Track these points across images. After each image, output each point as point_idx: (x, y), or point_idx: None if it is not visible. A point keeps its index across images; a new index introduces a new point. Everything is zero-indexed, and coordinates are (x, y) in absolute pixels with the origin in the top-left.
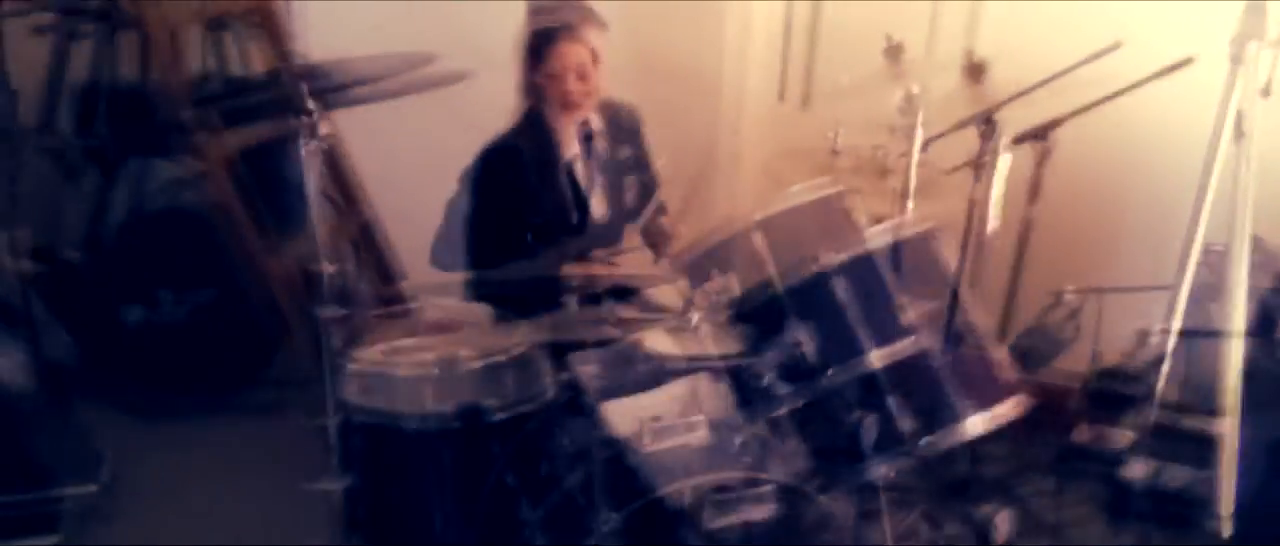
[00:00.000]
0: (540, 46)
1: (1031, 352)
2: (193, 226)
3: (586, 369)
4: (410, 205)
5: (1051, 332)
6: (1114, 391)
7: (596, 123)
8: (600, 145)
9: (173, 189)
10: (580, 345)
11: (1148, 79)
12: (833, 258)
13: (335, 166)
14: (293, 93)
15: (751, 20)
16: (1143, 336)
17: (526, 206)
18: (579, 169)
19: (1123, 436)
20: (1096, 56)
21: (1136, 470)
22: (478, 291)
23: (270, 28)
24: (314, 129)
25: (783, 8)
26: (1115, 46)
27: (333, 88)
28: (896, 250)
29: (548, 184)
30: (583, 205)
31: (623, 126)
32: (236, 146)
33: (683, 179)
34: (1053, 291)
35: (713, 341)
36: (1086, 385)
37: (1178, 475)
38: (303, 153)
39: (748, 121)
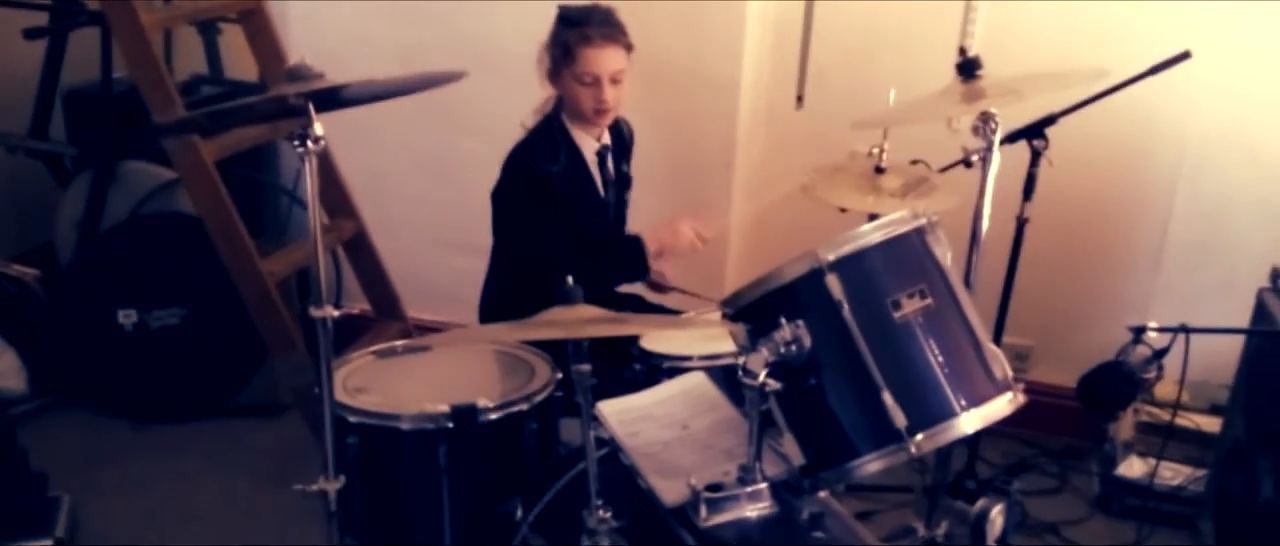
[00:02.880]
0: (575, 46)
1: (1106, 394)
2: (185, 230)
3: (581, 367)
4: (396, 213)
5: (1134, 373)
6: (1110, 388)
7: (608, 138)
8: (610, 163)
9: (165, 193)
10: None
11: (1145, 74)
12: (827, 253)
13: (324, 170)
14: (286, 94)
15: (769, 25)
16: (1137, 332)
17: (577, 215)
18: (598, 188)
19: (1119, 433)
20: (1165, 66)
21: (1133, 467)
22: None
23: (261, 29)
24: (310, 130)
25: (799, 10)
26: (1185, 56)
27: (327, 89)
28: (893, 245)
29: (587, 201)
30: (614, 225)
31: (624, 142)
32: (228, 149)
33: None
34: (1133, 327)
35: (711, 340)
36: (1082, 382)
37: (1173, 472)
38: (301, 153)
39: (767, 130)
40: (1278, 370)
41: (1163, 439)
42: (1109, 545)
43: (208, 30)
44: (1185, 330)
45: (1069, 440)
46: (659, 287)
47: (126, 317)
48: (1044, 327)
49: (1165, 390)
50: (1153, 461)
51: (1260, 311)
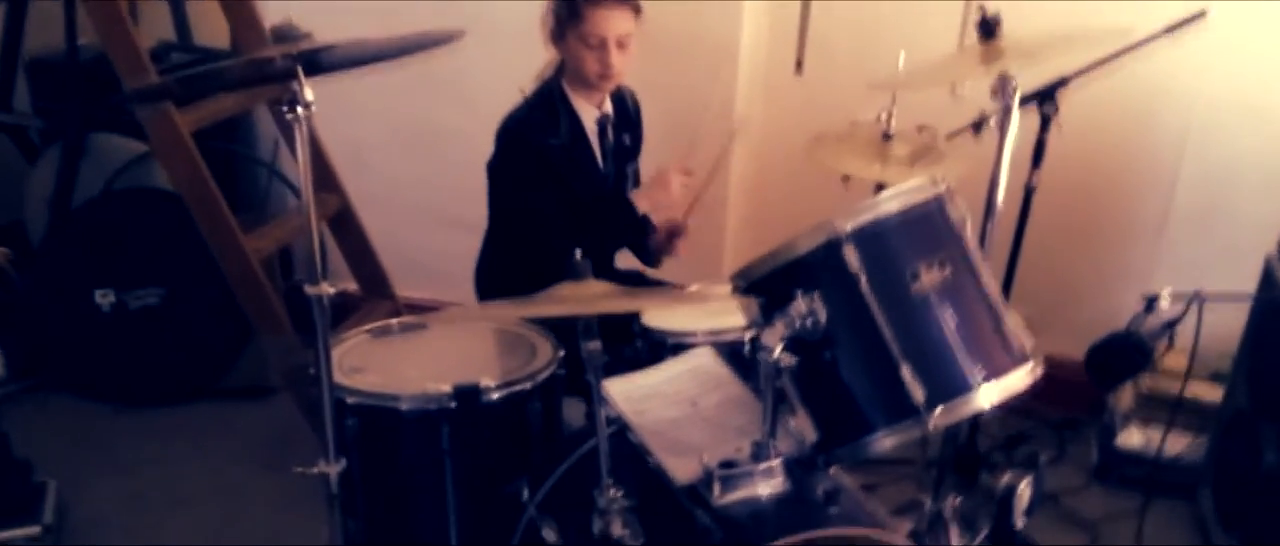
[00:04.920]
0: (583, 6)
1: (1117, 364)
2: (162, 206)
3: (588, 345)
4: (381, 188)
5: (1146, 344)
6: (1121, 359)
7: (608, 107)
8: (611, 133)
9: (139, 166)
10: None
11: (1158, 34)
12: (845, 223)
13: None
14: (273, 56)
15: None
16: (1150, 301)
17: (574, 187)
18: (597, 159)
19: (1122, 403)
20: (1181, 25)
21: (1132, 437)
22: None
23: None
24: (300, 94)
25: None
26: (1201, 15)
27: (316, 49)
28: (911, 214)
29: (584, 172)
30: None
31: (628, 112)
32: (204, 120)
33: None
34: (1145, 295)
35: (716, 315)
36: (1092, 352)
37: (1176, 442)
38: (291, 120)
39: (765, 97)
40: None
41: (1171, 410)
42: (1110, 515)
43: None
44: (1199, 298)
45: (1068, 411)
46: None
47: (104, 298)
48: (1045, 297)
49: (1169, 359)
50: (1152, 431)
51: (1268, 278)
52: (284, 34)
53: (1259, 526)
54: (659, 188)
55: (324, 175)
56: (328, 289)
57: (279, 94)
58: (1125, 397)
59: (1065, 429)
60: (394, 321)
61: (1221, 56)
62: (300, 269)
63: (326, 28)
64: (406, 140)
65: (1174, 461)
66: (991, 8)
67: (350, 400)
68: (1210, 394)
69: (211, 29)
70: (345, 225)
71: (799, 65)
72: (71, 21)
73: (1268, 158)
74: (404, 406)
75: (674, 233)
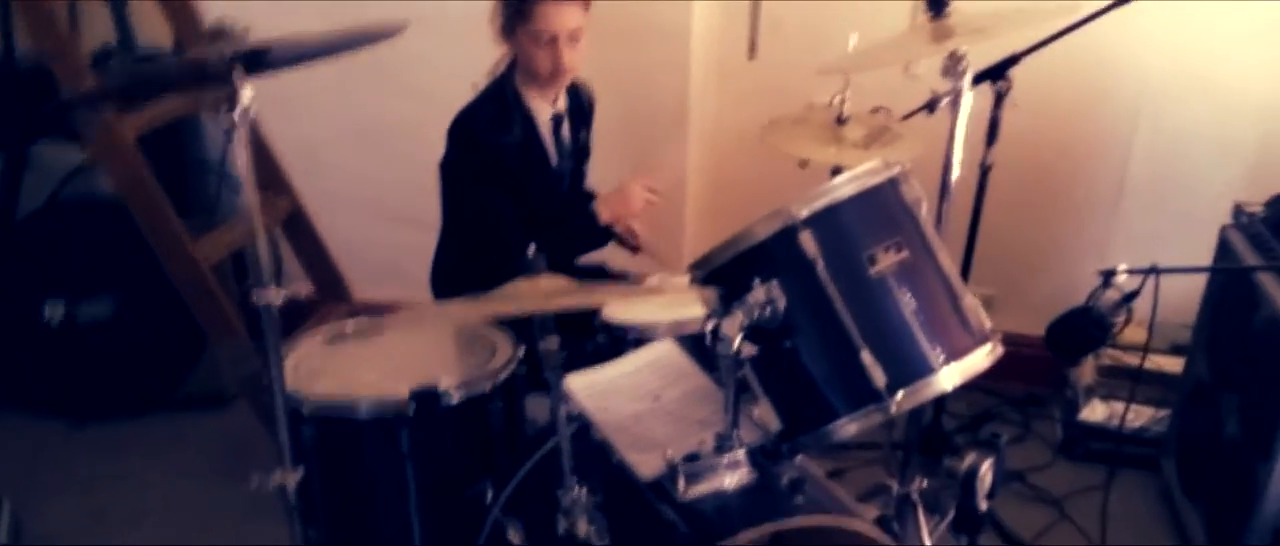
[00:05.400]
0: (531, 2)
1: (1076, 339)
2: (109, 215)
3: (546, 343)
4: (334, 187)
5: (1104, 318)
6: (1080, 334)
7: (562, 104)
8: (565, 131)
9: (85, 175)
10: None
11: (1108, 7)
12: (800, 209)
13: (253, 144)
14: (207, 57)
15: None
16: (1107, 276)
17: (528, 186)
18: (551, 157)
19: (1083, 377)
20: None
21: (1095, 411)
22: None
23: None
24: (238, 96)
25: None
26: None
27: (253, 49)
28: (866, 198)
29: (538, 171)
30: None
31: (583, 109)
32: (147, 124)
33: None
34: (1102, 271)
35: (676, 306)
36: (1051, 328)
37: (1136, 414)
38: (228, 124)
39: (719, 82)
40: (1241, 308)
41: (1132, 383)
42: (1075, 489)
43: None
44: (1155, 271)
45: (1030, 387)
46: (632, 247)
47: (53, 311)
48: (1006, 275)
49: (1129, 332)
50: (1115, 405)
51: (1223, 248)
52: (219, 33)
53: (1222, 495)
54: (621, 201)
55: (273, 176)
56: (276, 295)
57: (222, 95)
58: (1087, 372)
59: (1029, 405)
60: (349, 324)
61: (1171, 29)
62: (255, 273)
63: (271, 24)
64: (359, 137)
65: (1137, 433)
66: None
67: (306, 408)
68: (1171, 365)
69: (155, 31)
70: (298, 226)
71: (752, 49)
72: (8, 27)
73: (1219, 128)
74: (362, 412)
75: (620, 224)
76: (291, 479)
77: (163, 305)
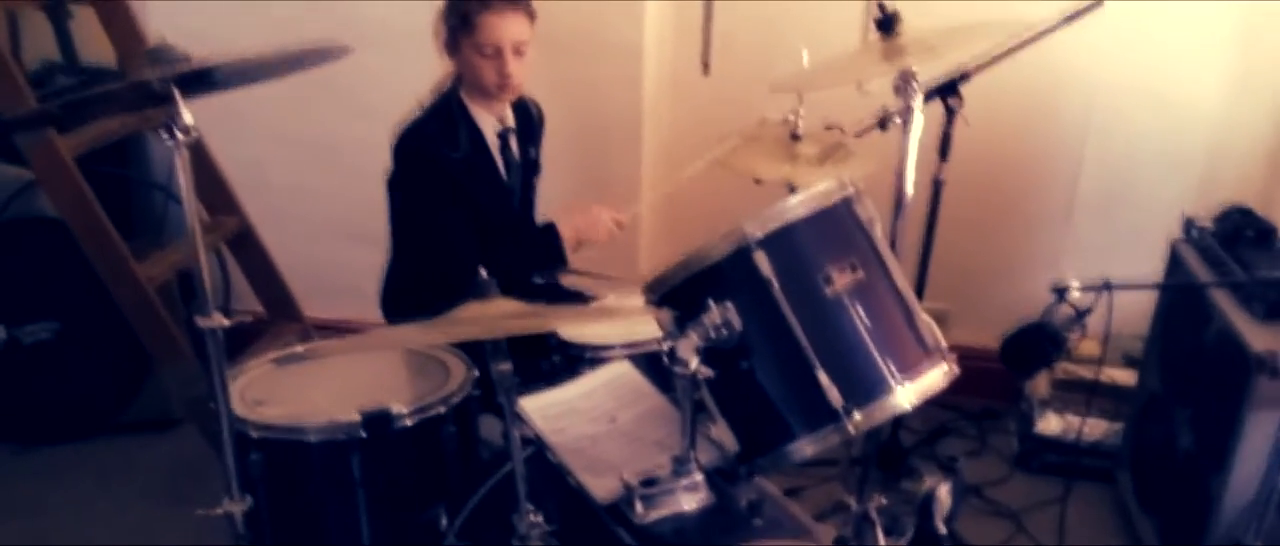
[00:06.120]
0: (475, 14)
1: (1031, 355)
2: (51, 236)
3: (499, 366)
4: (282, 205)
5: (1058, 334)
6: (1035, 350)
7: (511, 119)
8: (514, 145)
9: (26, 195)
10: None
11: (1057, 25)
12: (754, 229)
13: (200, 162)
14: (148, 79)
15: None
16: (1060, 292)
17: (479, 201)
18: (501, 172)
19: (1038, 390)
20: (1079, 14)
21: (1050, 424)
22: None
23: (116, 10)
24: (178, 118)
25: None
26: (1098, 3)
27: (193, 71)
28: (820, 217)
29: (488, 186)
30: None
31: (531, 124)
32: (90, 143)
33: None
34: (1055, 287)
35: (632, 325)
36: (1005, 344)
37: (1094, 427)
38: (170, 145)
39: (673, 98)
40: (1193, 322)
41: (1087, 397)
42: (1032, 503)
43: (57, 13)
44: (1108, 287)
45: (986, 401)
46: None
47: None
48: (959, 289)
49: (1083, 345)
50: (1070, 417)
51: (1174, 262)
52: (159, 55)
53: (1177, 507)
54: (588, 224)
55: (221, 194)
56: (221, 321)
57: (165, 115)
58: (1041, 385)
59: (985, 419)
60: (299, 348)
61: (1120, 44)
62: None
63: (214, 40)
64: (307, 154)
65: (1093, 446)
66: (889, 5)
67: (254, 434)
68: (1125, 377)
69: (98, 48)
70: (246, 246)
71: (705, 66)
72: None
73: (1169, 142)
74: (311, 437)
75: (579, 244)
76: (238, 508)
77: (108, 326)
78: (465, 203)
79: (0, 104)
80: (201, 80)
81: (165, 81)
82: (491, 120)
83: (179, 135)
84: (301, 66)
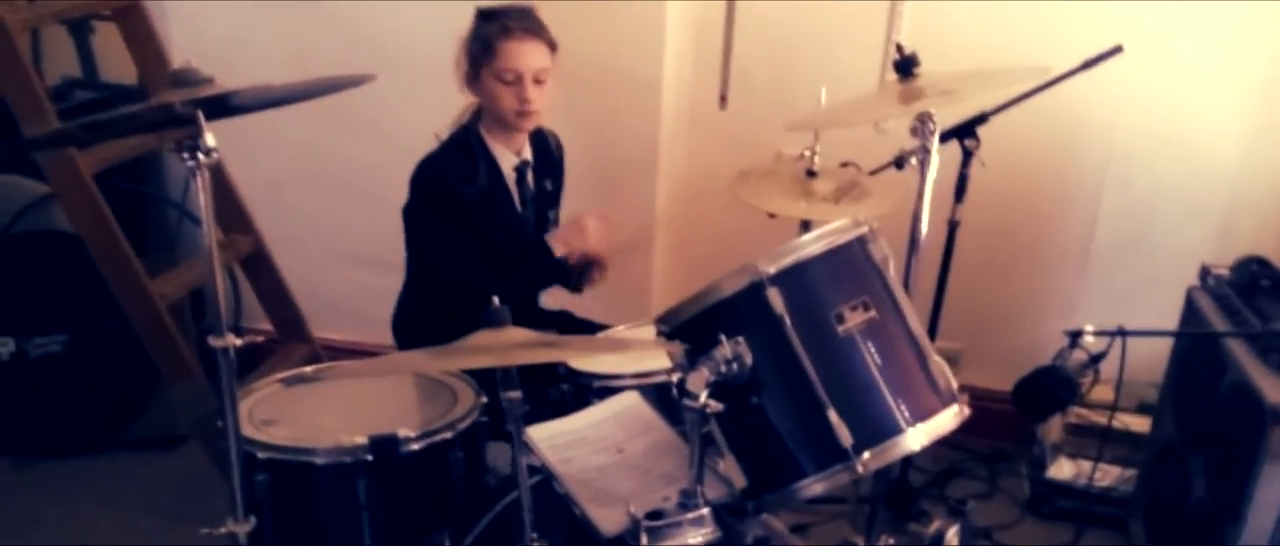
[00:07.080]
0: (496, 40)
1: (1043, 399)
2: (64, 250)
3: (508, 395)
4: (297, 227)
5: (1071, 379)
6: (1047, 394)
7: (528, 152)
8: (530, 179)
9: (40, 209)
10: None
11: (1075, 70)
12: (768, 266)
13: (216, 180)
14: (172, 102)
15: (690, 23)
16: (1073, 337)
17: (493, 234)
18: (516, 205)
19: (1050, 435)
20: (1098, 60)
21: (1063, 469)
22: None
23: (139, 28)
24: (201, 141)
25: (721, 9)
26: (1117, 50)
27: (217, 96)
28: (834, 256)
29: (503, 219)
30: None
31: (550, 157)
32: (109, 161)
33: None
34: (1069, 331)
35: (643, 356)
36: (1018, 387)
37: (1103, 473)
38: (191, 166)
39: (690, 132)
40: (1209, 369)
41: (1099, 442)
42: None
43: (80, 29)
44: (1123, 333)
45: (997, 443)
46: (579, 285)
47: (3, 346)
48: (973, 330)
49: (1096, 391)
50: (1082, 462)
51: (1190, 310)
52: (183, 78)
53: None
54: (575, 233)
55: (236, 215)
56: (233, 341)
57: (185, 135)
58: (1054, 429)
59: (996, 461)
60: (308, 369)
61: (1140, 90)
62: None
63: (239, 67)
64: (324, 178)
65: (1105, 493)
66: (908, 46)
67: (261, 454)
68: (1138, 424)
69: (119, 65)
70: (259, 266)
71: (723, 100)
72: None
73: (1187, 189)
74: (318, 460)
75: (592, 261)
76: (242, 529)
77: (116, 342)
78: (479, 234)
79: (23, 121)
80: (224, 104)
81: (190, 104)
82: (509, 154)
83: (201, 157)
84: (321, 94)
